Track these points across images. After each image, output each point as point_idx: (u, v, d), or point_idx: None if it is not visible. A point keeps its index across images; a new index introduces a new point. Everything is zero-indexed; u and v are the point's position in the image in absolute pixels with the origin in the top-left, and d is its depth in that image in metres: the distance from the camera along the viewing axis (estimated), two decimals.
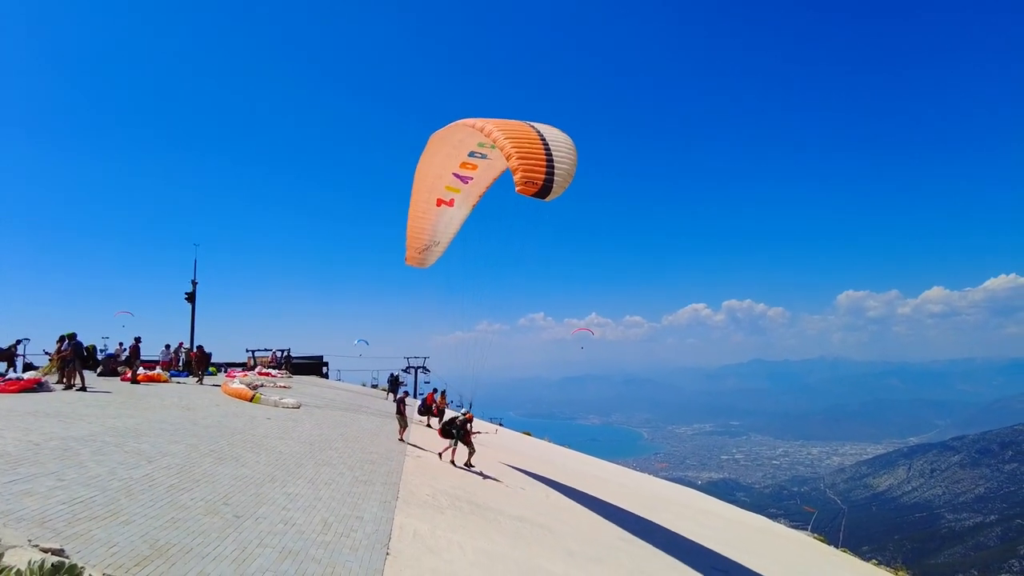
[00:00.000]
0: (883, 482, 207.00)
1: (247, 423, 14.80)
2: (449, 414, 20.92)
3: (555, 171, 10.26)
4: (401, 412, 17.36)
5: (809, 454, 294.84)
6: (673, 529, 16.45)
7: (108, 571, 4.98)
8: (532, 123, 11.76)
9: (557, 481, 19.62)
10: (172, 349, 26.81)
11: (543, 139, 10.85)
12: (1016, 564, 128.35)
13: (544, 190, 10.13)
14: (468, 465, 15.31)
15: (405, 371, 45.73)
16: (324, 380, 40.16)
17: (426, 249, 16.77)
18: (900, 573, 24.11)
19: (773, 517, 50.48)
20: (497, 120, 11.75)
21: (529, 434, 38.72)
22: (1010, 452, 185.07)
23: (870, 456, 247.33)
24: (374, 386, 41.38)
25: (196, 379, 24.38)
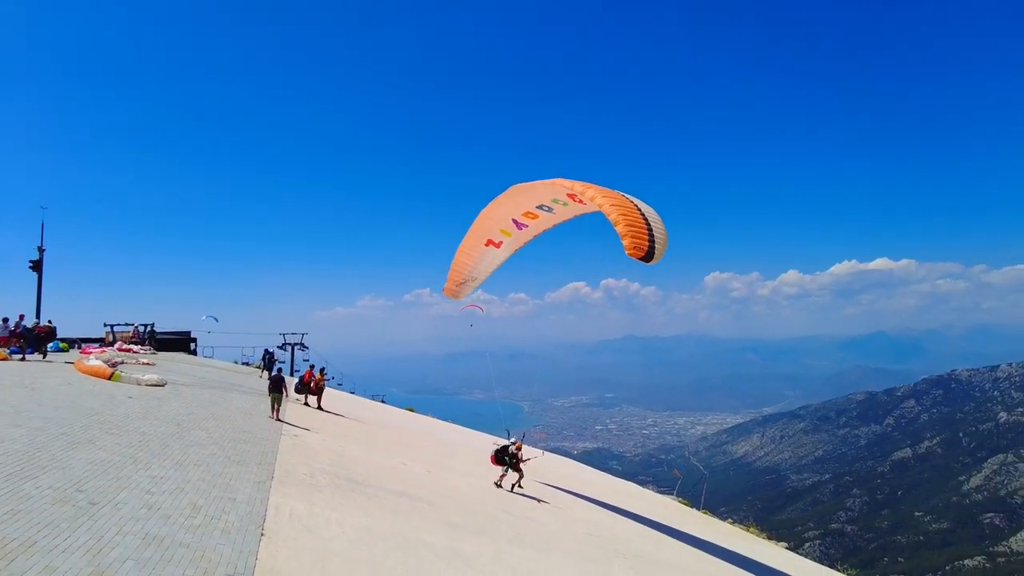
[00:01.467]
0: (740, 448, 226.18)
1: (105, 403, 13.63)
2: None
3: (655, 241, 12.38)
4: (276, 390, 16.71)
5: (676, 424, 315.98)
6: (549, 498, 17.10)
7: None
8: (626, 194, 13.54)
9: (439, 456, 19.77)
10: (11, 323, 24.06)
11: (641, 212, 12.85)
12: (843, 515, 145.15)
13: (648, 255, 12.17)
14: (518, 486, 16.12)
15: (281, 347, 43.96)
16: (193, 357, 37.74)
17: (463, 283, 17.58)
18: (751, 529, 26.48)
19: (643, 483, 53.80)
20: (599, 188, 13.48)
21: (412, 410, 38.62)
22: (844, 419, 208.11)
23: (729, 425, 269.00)
24: (246, 363, 39.43)
25: (41, 356, 22.13)
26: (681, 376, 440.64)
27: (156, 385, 18.18)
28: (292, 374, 41.52)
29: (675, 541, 16.61)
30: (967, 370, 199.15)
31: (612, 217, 12.60)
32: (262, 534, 6.85)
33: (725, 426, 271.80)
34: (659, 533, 16.71)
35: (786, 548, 27.59)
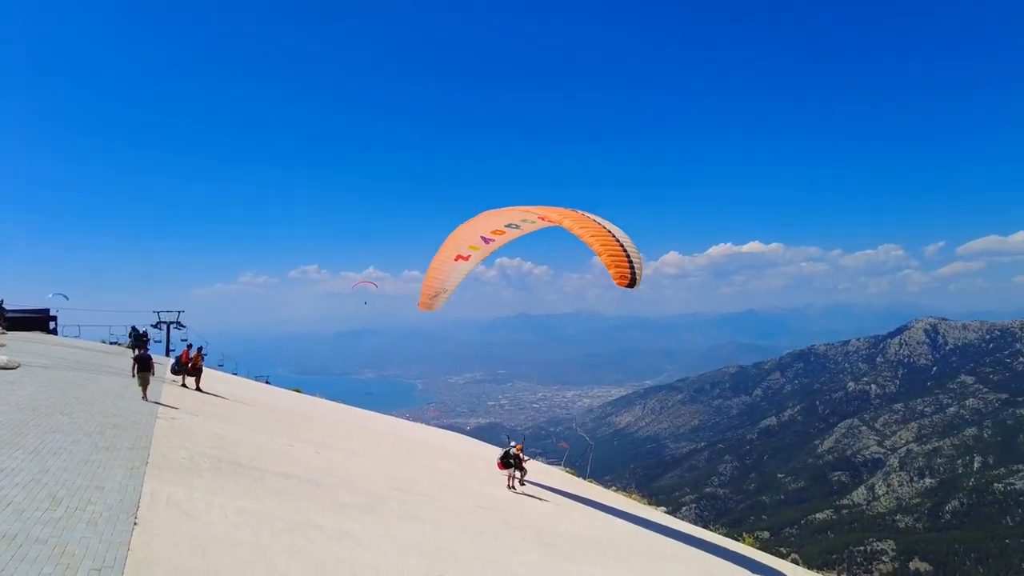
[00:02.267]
0: (623, 419, 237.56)
1: None
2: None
3: (635, 267, 13.65)
4: (144, 370, 15.63)
5: (564, 398, 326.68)
6: (441, 472, 17.24)
7: None
8: (597, 218, 14.76)
9: (329, 437, 19.33)
10: None
11: (617, 239, 14.06)
12: (716, 480, 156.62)
13: (632, 282, 13.50)
14: (521, 483, 17.92)
15: (155, 326, 41.12)
16: (52, 336, 34.43)
17: (436, 296, 18.88)
18: (633, 496, 28.00)
19: (532, 456, 55.26)
20: (576, 215, 14.86)
21: (300, 391, 37.42)
22: (717, 390, 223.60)
23: (614, 397, 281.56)
24: (115, 343, 36.54)
25: None
26: (570, 352, 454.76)
27: (7, 367, 16.48)
28: (168, 354, 38.97)
29: (563, 510, 17.28)
30: (824, 345, 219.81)
31: (595, 248, 13.96)
32: (135, 523, 6.45)
33: (610, 399, 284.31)
34: (547, 503, 17.31)
35: (665, 512, 29.42)
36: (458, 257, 18.22)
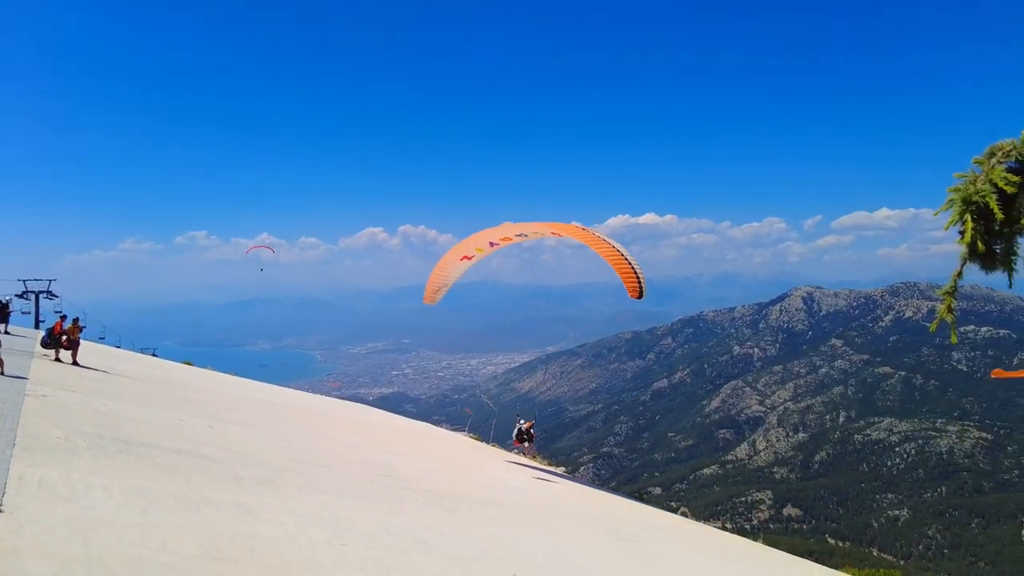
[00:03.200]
0: (526, 385, 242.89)
1: None
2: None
3: (641, 281, 16.84)
4: None
5: (469, 365, 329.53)
6: (341, 442, 17.08)
7: None
8: (605, 236, 17.53)
9: (222, 410, 18.60)
10: None
11: (626, 258, 17.01)
12: (612, 440, 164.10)
13: (640, 295, 17.09)
14: (532, 456, 21.89)
15: (22, 296, 37.66)
16: None
17: (438, 291, 20.92)
18: (535, 459, 28.93)
19: (436, 423, 55.71)
20: (580, 230, 18.06)
21: (190, 364, 35.59)
22: (614, 355, 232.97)
23: (517, 364, 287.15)
24: None
25: None
26: (476, 320, 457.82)
27: None
28: (37, 327, 35.87)
29: (465, 475, 17.60)
30: (712, 311, 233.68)
31: (612, 265, 17.16)
32: (0, 510, 5.99)
33: (513, 365, 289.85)
34: (449, 468, 17.57)
35: (564, 472, 30.62)
36: (463, 257, 20.19)
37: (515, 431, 21.30)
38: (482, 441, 29.66)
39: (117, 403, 14.66)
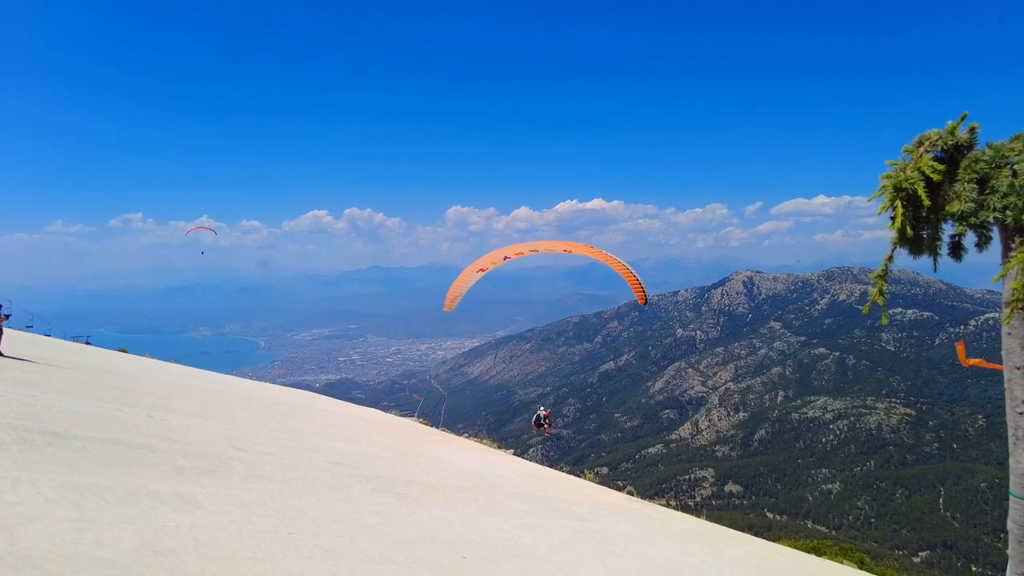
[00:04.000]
0: (476, 369, 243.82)
1: None
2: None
3: (645, 290, 19.32)
4: None
5: (418, 350, 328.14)
6: (287, 430, 16.78)
7: None
8: (612, 254, 19.84)
9: (162, 399, 18.00)
10: None
11: (633, 272, 19.48)
12: (560, 421, 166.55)
13: (646, 301, 19.63)
14: (548, 435, 25.25)
15: None
16: None
17: (455, 299, 22.68)
18: (483, 442, 29.08)
19: (385, 409, 55.31)
20: (590, 248, 20.41)
21: (126, 351, 34.24)
22: (563, 338, 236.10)
23: (467, 349, 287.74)
24: None
25: None
26: (424, 305, 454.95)
27: None
28: None
29: (415, 459, 17.58)
30: (657, 295, 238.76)
31: (623, 276, 19.52)
32: None
33: (463, 350, 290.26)
34: (399, 454, 17.51)
35: (513, 455, 30.90)
36: (479, 270, 21.99)
37: (534, 417, 24.66)
38: (432, 426, 29.62)
39: (46, 394, 14.01)
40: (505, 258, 22.02)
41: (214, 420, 15.72)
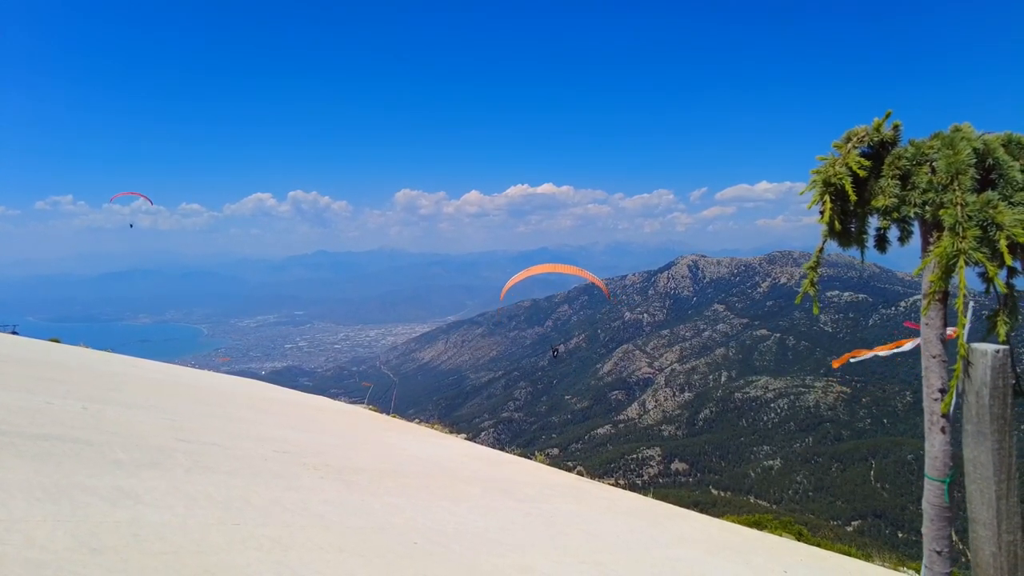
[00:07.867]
0: (427, 355, 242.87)
1: None
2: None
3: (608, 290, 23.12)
4: None
5: (367, 336, 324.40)
6: (232, 419, 16.43)
7: None
8: (579, 267, 24.82)
9: (98, 390, 17.33)
10: None
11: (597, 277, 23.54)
12: (512, 405, 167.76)
13: (610, 297, 22.67)
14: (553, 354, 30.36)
15: None
16: None
17: (504, 293, 26.71)
18: (435, 427, 29.04)
19: (334, 396, 54.56)
20: (586, 272, 25.18)
21: (57, 341, 32.70)
22: (514, 323, 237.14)
23: (418, 334, 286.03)
24: None
25: None
26: (373, 290, 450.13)
27: None
28: None
29: (365, 446, 17.46)
30: (605, 279, 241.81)
31: (595, 282, 24.64)
32: None
33: (414, 335, 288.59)
34: (349, 441, 17.37)
35: (464, 439, 30.99)
36: (524, 275, 26.40)
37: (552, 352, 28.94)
38: (382, 413, 29.41)
39: None
40: (548, 273, 26.98)
41: (155, 411, 15.25)
